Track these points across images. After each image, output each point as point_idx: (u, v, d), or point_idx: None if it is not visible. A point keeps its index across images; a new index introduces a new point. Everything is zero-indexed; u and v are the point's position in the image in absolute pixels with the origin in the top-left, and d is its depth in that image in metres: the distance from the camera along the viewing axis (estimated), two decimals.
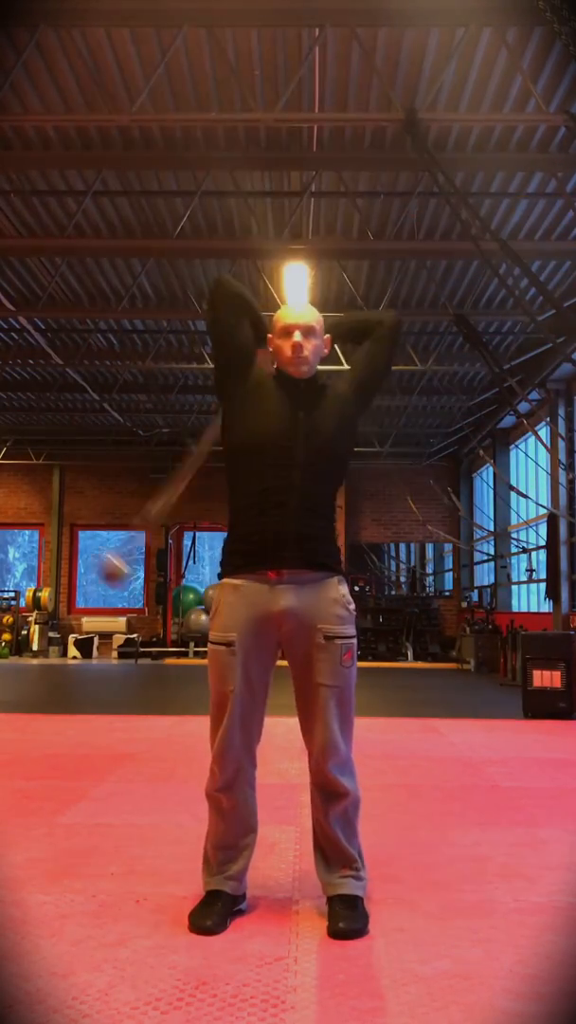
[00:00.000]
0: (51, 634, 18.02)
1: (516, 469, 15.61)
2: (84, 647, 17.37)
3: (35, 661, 16.76)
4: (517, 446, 15.40)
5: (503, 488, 14.89)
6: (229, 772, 2.60)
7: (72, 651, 17.39)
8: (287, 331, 2.67)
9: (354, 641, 2.63)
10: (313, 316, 2.71)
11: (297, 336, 2.65)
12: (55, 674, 14.10)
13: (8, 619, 17.61)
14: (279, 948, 2.37)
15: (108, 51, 6.35)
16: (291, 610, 2.57)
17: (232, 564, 2.63)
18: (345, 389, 2.77)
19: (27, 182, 8.22)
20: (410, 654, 17.28)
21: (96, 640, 17.54)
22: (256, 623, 2.58)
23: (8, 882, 2.94)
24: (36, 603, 18.14)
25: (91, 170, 7.87)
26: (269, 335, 2.76)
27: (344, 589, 2.66)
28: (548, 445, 12.28)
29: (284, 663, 2.69)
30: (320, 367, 2.77)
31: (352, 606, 2.66)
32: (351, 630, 2.63)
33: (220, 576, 2.69)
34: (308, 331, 2.68)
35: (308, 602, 2.58)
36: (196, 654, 16.71)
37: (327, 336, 2.78)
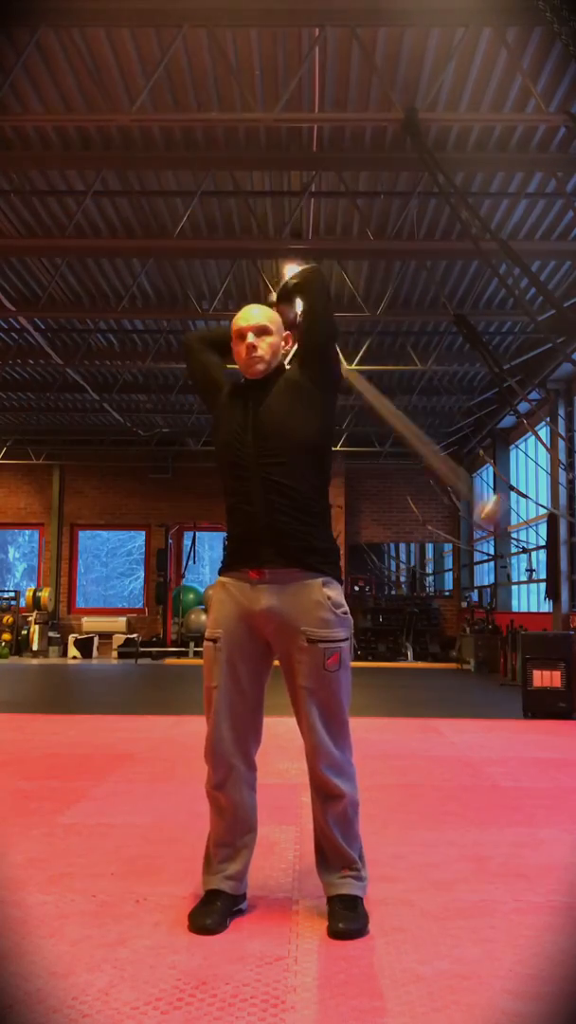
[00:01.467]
0: (51, 634, 18.01)
1: (516, 469, 15.61)
2: (84, 647, 17.37)
3: (35, 661, 16.76)
4: (517, 446, 15.40)
5: (503, 488, 14.88)
6: (221, 770, 2.61)
7: (72, 651, 17.39)
8: (241, 335, 2.72)
9: (342, 645, 2.56)
10: (265, 315, 2.73)
11: (250, 337, 2.69)
12: (55, 674, 14.10)
13: (8, 619, 17.61)
14: (279, 948, 2.37)
15: (108, 51, 6.35)
16: (272, 610, 2.58)
17: (224, 563, 2.72)
18: (296, 371, 2.73)
19: (27, 182, 8.22)
20: (410, 654, 17.28)
21: (96, 640, 17.54)
22: (241, 621, 2.62)
23: (8, 882, 2.94)
24: (36, 603, 18.14)
25: (91, 170, 7.87)
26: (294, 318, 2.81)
27: (331, 591, 2.58)
28: (548, 445, 12.28)
29: None
30: None
31: (342, 609, 2.59)
32: (338, 633, 2.56)
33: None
34: (260, 331, 2.70)
35: (289, 603, 2.57)
36: (196, 654, 16.69)
37: (286, 332, 2.78)
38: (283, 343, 2.77)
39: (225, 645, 2.61)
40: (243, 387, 2.76)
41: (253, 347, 2.68)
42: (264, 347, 2.69)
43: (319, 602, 2.56)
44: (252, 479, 2.61)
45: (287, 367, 2.79)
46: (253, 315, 2.72)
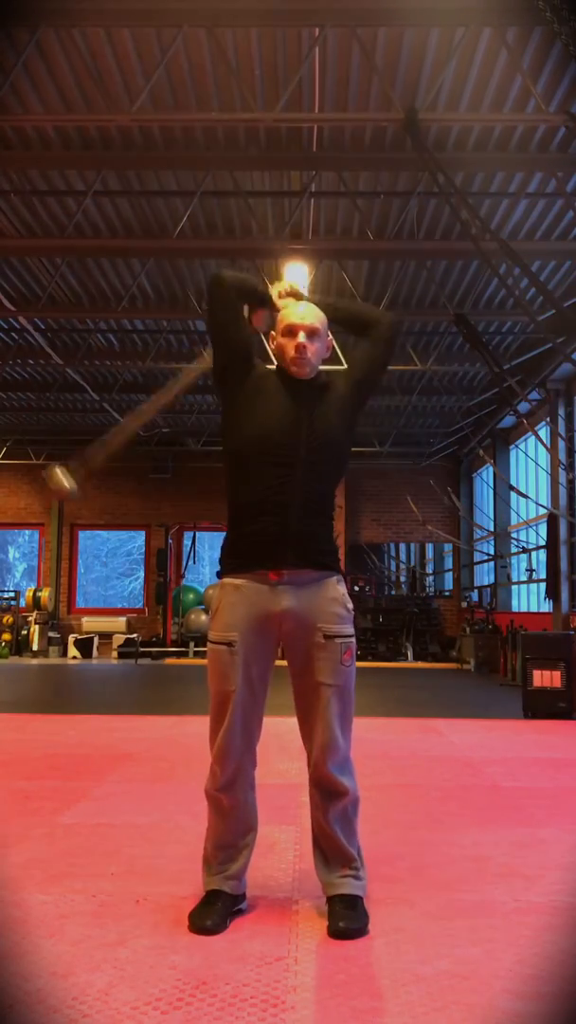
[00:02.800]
0: (51, 634, 18.00)
1: (516, 469, 15.61)
2: (84, 647, 17.36)
3: (35, 661, 16.75)
4: (517, 446, 15.40)
5: (503, 488, 14.89)
6: (230, 772, 2.60)
7: (72, 651, 17.38)
8: (291, 331, 2.67)
9: (353, 640, 2.64)
10: (318, 318, 2.71)
11: (301, 337, 2.66)
12: (55, 674, 14.10)
13: (8, 619, 17.60)
14: (279, 948, 2.37)
15: (108, 51, 6.35)
16: (291, 610, 2.57)
17: (233, 563, 2.64)
18: (344, 388, 2.77)
19: (27, 182, 8.22)
20: (410, 654, 17.28)
21: (96, 640, 17.54)
22: (257, 623, 2.58)
23: (8, 882, 2.94)
24: (36, 603, 18.13)
25: (91, 170, 7.87)
26: (272, 332, 2.76)
27: (342, 588, 2.67)
28: (548, 445, 12.28)
29: (283, 663, 2.69)
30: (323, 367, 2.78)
31: (350, 605, 2.68)
32: (350, 629, 2.64)
33: (219, 575, 2.68)
34: (312, 333, 2.68)
35: (308, 602, 2.59)
36: (196, 654, 16.70)
37: (329, 338, 2.78)
38: (326, 349, 2.75)
39: (241, 648, 2.56)
40: (287, 381, 2.69)
41: (304, 348, 2.65)
42: (313, 350, 2.67)
43: (335, 599, 2.63)
44: (296, 479, 2.58)
45: (324, 376, 2.77)
46: (307, 314, 2.69)
